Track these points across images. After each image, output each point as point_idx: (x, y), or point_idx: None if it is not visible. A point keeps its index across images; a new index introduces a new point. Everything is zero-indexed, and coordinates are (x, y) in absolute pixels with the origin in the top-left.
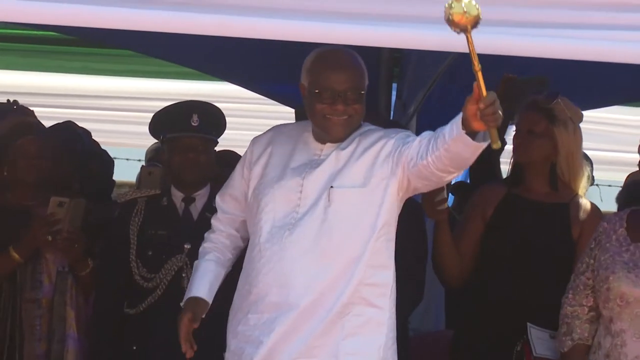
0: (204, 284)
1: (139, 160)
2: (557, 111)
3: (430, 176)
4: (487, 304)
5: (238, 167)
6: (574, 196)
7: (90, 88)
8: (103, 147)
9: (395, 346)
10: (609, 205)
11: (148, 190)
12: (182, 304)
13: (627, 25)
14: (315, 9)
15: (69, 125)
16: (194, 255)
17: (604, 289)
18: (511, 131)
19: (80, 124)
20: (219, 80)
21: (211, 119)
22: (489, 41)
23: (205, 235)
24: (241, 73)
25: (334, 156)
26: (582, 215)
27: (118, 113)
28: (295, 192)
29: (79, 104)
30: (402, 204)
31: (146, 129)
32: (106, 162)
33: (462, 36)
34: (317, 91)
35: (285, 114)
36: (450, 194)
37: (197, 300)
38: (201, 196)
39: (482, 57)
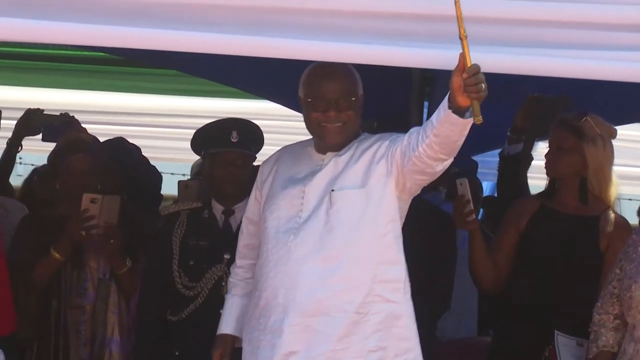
0: (231, 320)
1: (183, 175)
2: (586, 128)
3: (424, 167)
4: (520, 311)
5: (252, 191)
6: (605, 209)
7: (139, 106)
8: (152, 162)
9: (417, 337)
10: (629, 218)
11: (190, 203)
12: (216, 338)
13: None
14: (348, 30)
15: (120, 142)
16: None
17: (627, 297)
18: (537, 147)
19: (131, 140)
20: (257, 99)
21: (250, 135)
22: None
23: (231, 268)
24: (279, 91)
25: (333, 162)
26: (611, 228)
27: (164, 130)
28: (297, 199)
29: (128, 121)
30: (405, 203)
31: (188, 144)
32: (155, 177)
33: (487, 58)
34: (310, 100)
35: None
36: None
37: (226, 337)
38: (240, 208)
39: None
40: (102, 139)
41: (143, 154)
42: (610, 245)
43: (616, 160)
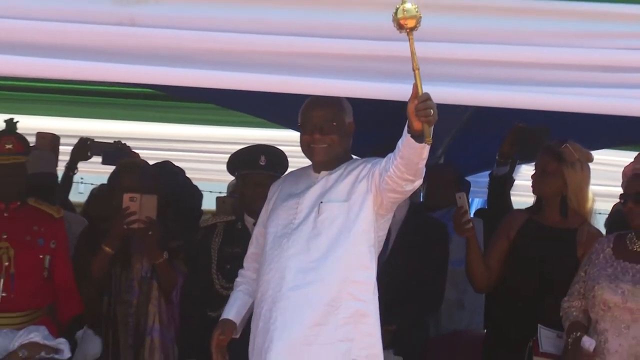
0: (233, 309)
1: (220, 192)
2: (566, 154)
3: (395, 186)
4: (509, 308)
5: (263, 207)
6: (582, 222)
7: (181, 134)
8: (193, 182)
9: (379, 333)
10: (604, 230)
11: (225, 217)
12: (219, 322)
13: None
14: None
15: (166, 164)
16: None
17: (590, 296)
18: (522, 169)
19: (176, 164)
20: (282, 128)
21: (276, 159)
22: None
23: (239, 271)
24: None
25: (324, 180)
26: (585, 238)
27: (203, 154)
28: (293, 209)
29: (173, 147)
30: (383, 217)
31: (224, 167)
32: (196, 195)
33: (477, 95)
34: (301, 125)
35: None
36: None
37: (226, 321)
38: None
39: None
40: (151, 162)
41: (186, 175)
42: (585, 252)
43: (593, 180)
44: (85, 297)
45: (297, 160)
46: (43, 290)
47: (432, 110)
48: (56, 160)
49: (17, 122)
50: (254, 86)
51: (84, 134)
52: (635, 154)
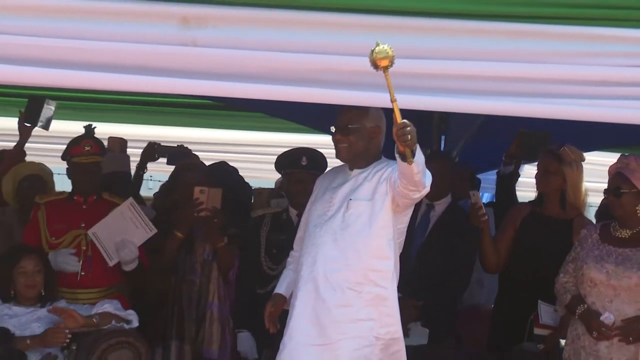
0: (283, 285)
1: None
2: (564, 155)
3: (403, 194)
4: (515, 286)
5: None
6: (578, 214)
7: (235, 138)
8: (245, 179)
9: (399, 316)
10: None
11: (272, 209)
12: (271, 296)
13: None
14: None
15: (222, 164)
16: None
17: (580, 275)
18: (525, 168)
19: (231, 164)
20: (321, 133)
21: (316, 159)
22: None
23: (290, 252)
24: None
25: (355, 178)
26: (580, 227)
27: (254, 156)
28: (328, 203)
29: (228, 150)
30: (402, 214)
31: (272, 166)
32: (248, 190)
33: (488, 105)
34: (332, 128)
35: None
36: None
37: (277, 295)
38: None
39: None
40: (209, 163)
41: (239, 173)
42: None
43: (586, 178)
44: (155, 276)
45: (336, 161)
46: (115, 270)
47: (409, 136)
48: (128, 161)
49: (95, 127)
50: (296, 97)
51: (152, 139)
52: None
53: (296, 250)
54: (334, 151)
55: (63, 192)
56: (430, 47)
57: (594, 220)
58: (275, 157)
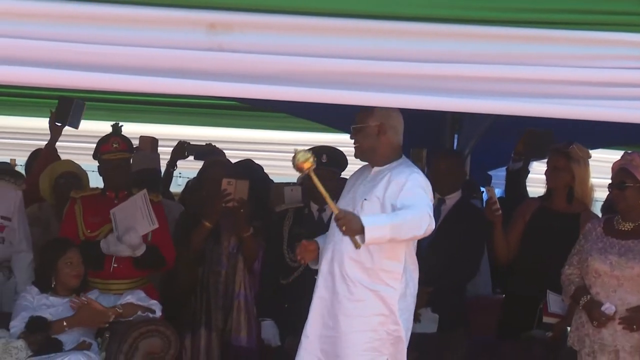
0: (321, 239)
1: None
2: (573, 153)
3: None
4: (524, 277)
5: None
6: (584, 208)
7: (260, 137)
8: (270, 176)
9: (406, 314)
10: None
11: (294, 204)
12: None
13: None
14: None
15: (248, 162)
16: None
17: (585, 266)
18: (534, 166)
19: (256, 161)
20: (341, 132)
21: (336, 157)
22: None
23: None
24: None
25: (372, 176)
26: (586, 221)
27: (277, 154)
28: (350, 200)
29: (254, 148)
30: None
31: None
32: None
33: (497, 105)
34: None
35: None
36: None
37: (315, 242)
38: (328, 208)
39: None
40: (235, 161)
41: (265, 171)
42: None
43: (592, 174)
44: (184, 267)
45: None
46: None
47: (344, 227)
48: (158, 159)
49: (122, 125)
50: (316, 99)
51: (182, 138)
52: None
53: None
54: (352, 149)
55: (96, 188)
56: (445, 51)
57: (600, 215)
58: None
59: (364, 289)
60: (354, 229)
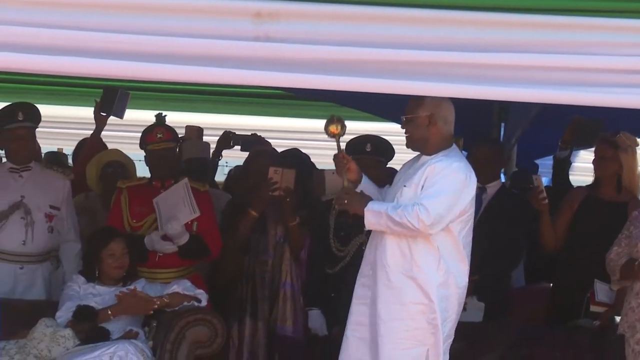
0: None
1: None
2: (620, 142)
3: None
4: (573, 266)
5: None
6: (632, 197)
7: (306, 126)
8: (317, 165)
9: (444, 302)
10: None
11: (336, 189)
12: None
13: None
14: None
15: (295, 151)
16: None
17: (634, 252)
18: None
19: (303, 150)
20: (388, 121)
21: (381, 146)
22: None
23: None
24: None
25: (418, 165)
26: (634, 210)
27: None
28: (395, 187)
29: (300, 137)
30: None
31: None
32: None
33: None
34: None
35: None
36: None
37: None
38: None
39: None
40: (281, 150)
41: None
42: None
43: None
44: (229, 256)
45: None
46: None
47: (345, 201)
48: (208, 148)
49: (166, 115)
50: (364, 88)
51: (227, 127)
52: None
53: None
54: (402, 138)
55: (143, 178)
56: (493, 39)
57: None
58: (344, 144)
59: (402, 278)
60: (354, 206)
